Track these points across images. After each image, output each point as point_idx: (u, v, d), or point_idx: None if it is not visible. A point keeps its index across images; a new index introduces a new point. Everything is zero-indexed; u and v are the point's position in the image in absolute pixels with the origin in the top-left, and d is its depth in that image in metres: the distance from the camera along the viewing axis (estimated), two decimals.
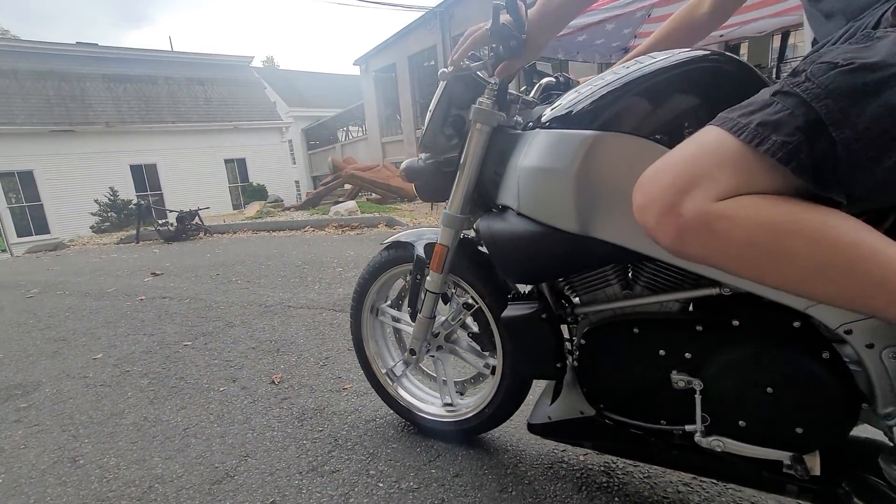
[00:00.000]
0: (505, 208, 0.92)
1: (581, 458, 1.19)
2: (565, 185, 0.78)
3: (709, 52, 0.75)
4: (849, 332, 0.66)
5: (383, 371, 1.39)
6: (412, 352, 1.22)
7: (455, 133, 1.02)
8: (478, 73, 0.97)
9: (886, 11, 0.57)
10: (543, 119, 0.87)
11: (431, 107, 1.03)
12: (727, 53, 0.75)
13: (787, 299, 0.69)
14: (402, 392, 1.37)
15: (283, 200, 12.48)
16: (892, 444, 0.64)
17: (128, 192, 15.02)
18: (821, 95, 0.53)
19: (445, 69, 0.96)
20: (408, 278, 1.23)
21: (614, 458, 1.17)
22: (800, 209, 0.55)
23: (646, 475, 1.11)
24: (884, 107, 0.50)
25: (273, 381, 1.79)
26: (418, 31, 12.94)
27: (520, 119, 1.02)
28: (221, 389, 1.76)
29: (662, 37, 0.99)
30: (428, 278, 1.12)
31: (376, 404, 1.52)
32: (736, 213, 0.55)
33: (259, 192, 15.99)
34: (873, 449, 0.78)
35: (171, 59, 19.02)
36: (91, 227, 13.14)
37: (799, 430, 0.70)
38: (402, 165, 1.09)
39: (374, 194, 9.58)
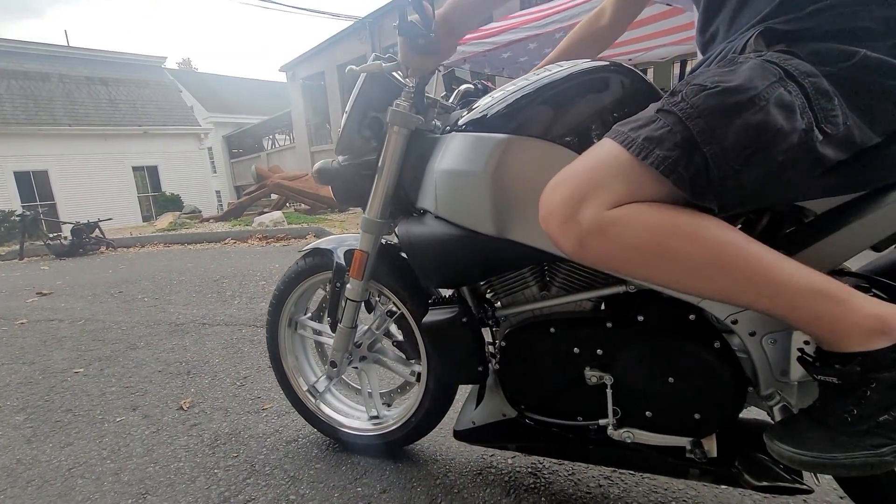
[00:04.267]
0: (424, 212, 0.91)
1: (509, 461, 1.20)
2: (481, 187, 0.79)
3: (609, 63, 0.80)
4: (735, 322, 0.72)
5: (305, 388, 1.31)
6: (333, 364, 1.16)
7: (373, 135, 1.00)
8: (394, 74, 0.95)
9: (751, 38, 0.64)
10: (460, 122, 0.87)
11: (347, 108, 0.99)
12: (624, 65, 0.80)
13: (682, 294, 0.74)
14: (325, 408, 1.30)
15: (201, 211, 11.59)
16: (773, 423, 0.70)
17: (10, 202, 13.15)
18: (693, 115, 0.58)
19: (354, 66, 0.93)
20: (328, 287, 1.17)
21: (541, 458, 1.19)
22: (678, 214, 0.61)
23: (570, 472, 1.14)
24: (743, 126, 0.56)
25: (181, 407, 1.62)
26: (348, 40, 12.78)
27: (438, 123, 1.01)
28: (118, 420, 1.57)
29: (567, 47, 1.05)
30: (348, 286, 1.07)
31: (299, 423, 1.43)
32: (625, 218, 0.60)
33: (173, 203, 14.74)
34: (759, 428, 0.86)
35: (68, 54, 17.06)
36: None
37: (697, 416, 0.75)
38: (315, 167, 1.04)
39: (302, 205, 9.22)
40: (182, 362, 2.05)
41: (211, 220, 9.40)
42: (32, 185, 14.79)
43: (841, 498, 0.97)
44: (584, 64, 0.81)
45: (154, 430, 1.48)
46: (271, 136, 22.18)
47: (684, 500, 1.00)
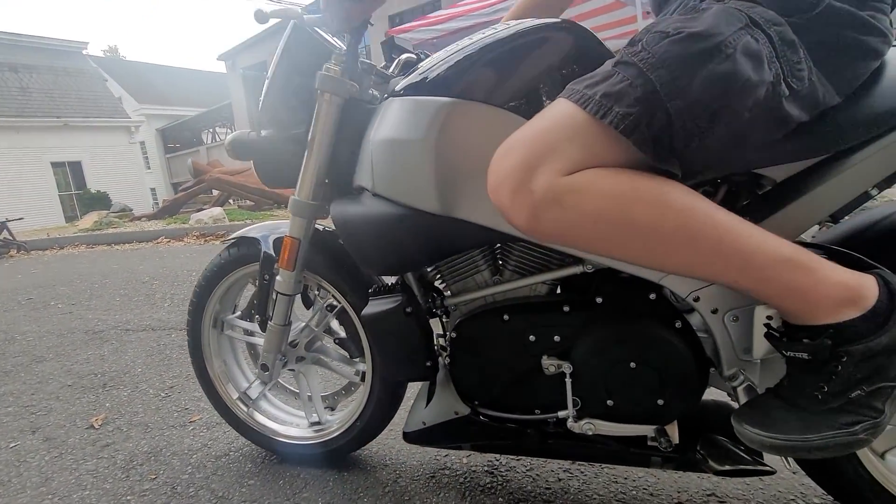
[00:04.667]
0: (361, 191, 0.80)
1: (464, 460, 1.12)
2: (422, 158, 0.69)
3: (559, 20, 0.73)
4: (697, 299, 0.68)
5: (235, 396, 1.16)
6: (264, 367, 1.03)
7: (300, 105, 0.87)
8: (320, 31, 0.84)
9: None
10: (398, 88, 0.77)
11: (269, 72, 0.86)
12: (576, 22, 0.73)
13: (643, 271, 0.68)
14: (259, 417, 1.16)
15: (132, 209, 10.72)
16: (740, 405, 0.66)
17: None
18: (656, 65, 0.52)
19: (263, 9, 0.80)
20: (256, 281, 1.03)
21: (498, 456, 1.12)
22: (641, 179, 0.54)
23: (529, 468, 1.07)
24: (709, 77, 0.50)
25: (92, 425, 1.42)
26: None
27: (376, 93, 0.91)
28: (12, 446, 1.34)
29: (519, 13, 0.97)
30: (278, 278, 0.95)
31: (231, 436, 1.28)
32: (583, 185, 0.53)
33: (100, 201, 13.56)
34: (717, 411, 0.83)
35: None
36: None
37: (660, 402, 0.70)
38: (228, 139, 0.90)
39: (247, 201, 8.72)
40: (97, 374, 1.81)
41: (143, 219, 8.70)
42: None
43: (794, 473, 0.97)
44: (532, 21, 0.73)
45: (56, 455, 1.27)
46: (211, 130, 20.89)
47: (644, 489, 0.96)
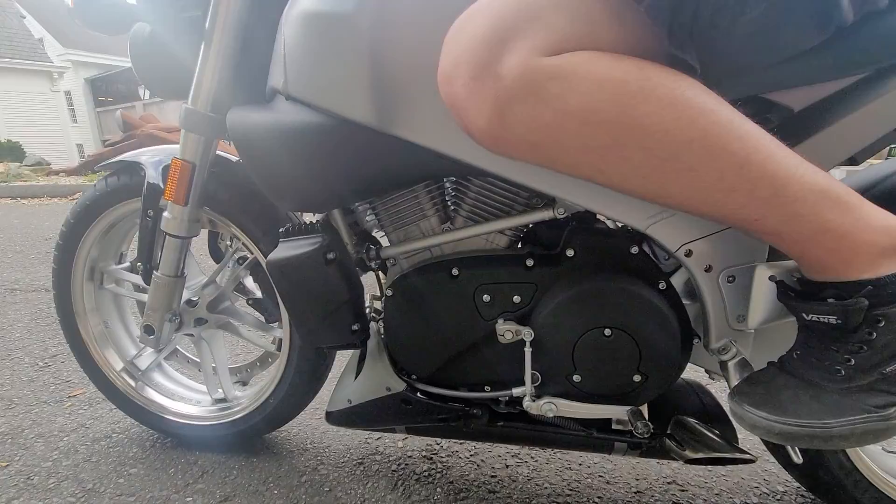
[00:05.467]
0: (274, 94, 0.60)
1: (399, 444, 0.97)
2: (353, 42, 0.51)
3: None
4: (689, 253, 0.55)
5: (119, 366, 0.94)
6: (149, 330, 0.81)
7: None
8: None
9: None
10: None
11: None
12: None
13: (629, 216, 0.54)
14: (149, 392, 0.94)
15: (49, 163, 9.58)
16: (738, 382, 0.54)
17: None
18: None
19: None
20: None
21: (439, 440, 0.98)
22: (650, 69, 0.39)
23: (473, 453, 0.94)
24: None
25: None
26: None
27: None
28: None
29: None
30: (165, 214, 0.73)
31: (118, 414, 1.06)
32: (572, 70, 0.38)
33: (11, 152, 12.00)
34: (690, 391, 0.72)
35: None
36: None
37: (637, 378, 0.57)
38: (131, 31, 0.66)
39: None
40: None
41: (61, 174, 7.78)
42: None
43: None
44: None
45: None
46: None
47: (601, 476, 0.86)
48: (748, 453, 0.61)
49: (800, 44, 0.45)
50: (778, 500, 0.79)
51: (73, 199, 5.26)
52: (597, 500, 0.80)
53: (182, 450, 0.94)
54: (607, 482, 0.84)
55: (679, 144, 0.38)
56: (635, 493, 0.81)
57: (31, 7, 19.13)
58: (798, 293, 0.46)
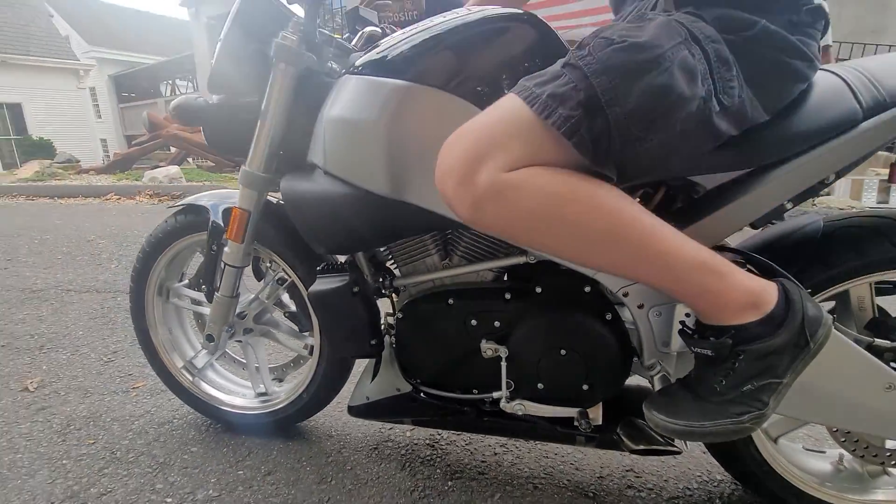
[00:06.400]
0: (314, 167, 0.80)
1: (407, 434, 1.16)
2: (375, 139, 0.69)
3: (521, 11, 0.73)
4: (626, 294, 0.72)
5: (180, 364, 1.15)
6: (210, 338, 1.02)
7: (254, 72, 0.85)
8: None
9: None
10: (357, 63, 0.76)
11: (222, 34, 0.83)
12: (535, 15, 0.74)
13: (578, 266, 0.72)
14: (205, 386, 1.16)
15: (79, 161, 10.01)
16: (652, 393, 0.72)
17: None
18: (598, 71, 0.54)
19: None
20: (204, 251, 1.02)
21: (439, 430, 1.17)
22: (577, 180, 0.57)
23: (467, 442, 1.13)
24: (647, 88, 0.53)
25: (27, 388, 1.37)
26: None
27: (335, 66, 0.89)
28: None
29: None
30: (226, 249, 0.93)
31: (175, 403, 1.27)
32: (524, 182, 0.56)
33: (43, 149, 12.56)
34: (641, 396, 0.90)
35: None
36: None
37: (585, 387, 0.76)
38: (174, 103, 0.87)
39: (206, 161, 8.32)
40: (34, 335, 1.74)
41: (91, 172, 8.15)
42: None
43: (704, 452, 1.06)
44: (495, 10, 0.73)
45: None
46: (171, 82, 19.56)
47: (572, 463, 1.04)
48: (675, 447, 0.79)
49: (698, 153, 0.62)
50: (715, 486, 0.96)
51: (106, 199, 5.59)
52: (566, 482, 0.98)
53: (231, 434, 1.15)
54: (576, 469, 1.02)
55: (594, 233, 0.56)
56: (598, 477, 0.99)
57: (58, 5, 19.70)
58: (691, 331, 0.63)
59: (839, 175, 0.67)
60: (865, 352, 0.67)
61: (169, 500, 0.95)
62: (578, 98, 0.54)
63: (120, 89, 20.38)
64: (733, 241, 0.79)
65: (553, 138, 0.56)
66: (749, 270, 0.68)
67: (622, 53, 0.53)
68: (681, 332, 0.65)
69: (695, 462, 1.03)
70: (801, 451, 0.90)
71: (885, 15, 5.33)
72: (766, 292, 0.59)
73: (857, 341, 0.68)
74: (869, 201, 4.05)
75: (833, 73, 0.67)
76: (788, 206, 0.69)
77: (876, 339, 0.72)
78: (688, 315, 0.69)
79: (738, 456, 0.84)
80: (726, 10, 0.59)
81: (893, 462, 0.79)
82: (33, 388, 1.37)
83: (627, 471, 1.01)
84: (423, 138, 0.69)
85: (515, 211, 0.56)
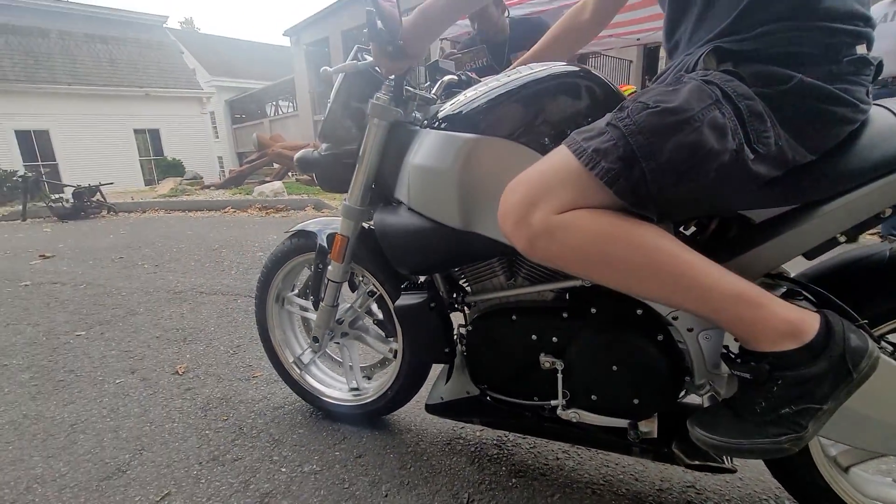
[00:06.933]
0: (399, 203, 0.97)
1: (477, 433, 1.29)
2: (449, 184, 0.84)
3: (579, 69, 0.84)
4: (675, 318, 0.79)
5: (291, 360, 1.39)
6: (315, 340, 1.24)
7: (354, 125, 1.04)
8: (376, 68, 0.99)
9: (703, 54, 0.68)
10: (439, 116, 0.92)
11: (331, 98, 1.03)
12: (592, 72, 0.83)
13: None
14: (309, 379, 1.39)
15: (202, 178, 11.60)
16: (698, 410, 0.77)
17: (12, 162, 13.11)
18: (635, 132, 0.63)
19: (328, 68, 0.98)
20: (312, 268, 1.24)
21: (506, 433, 1.28)
22: (619, 221, 0.66)
23: (532, 446, 1.23)
24: (677, 145, 0.61)
25: (177, 372, 1.72)
26: (354, 5, 12.46)
27: (419, 115, 1.05)
28: (118, 382, 1.67)
29: (550, 41, 1.07)
30: (330, 268, 1.14)
31: (285, 392, 1.53)
32: (572, 223, 0.66)
33: (175, 168, 14.73)
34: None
35: (67, 10, 16.61)
36: None
37: (636, 401, 0.83)
38: (296, 156, 1.09)
39: (304, 175, 9.20)
40: (179, 329, 2.15)
41: (212, 188, 9.42)
42: (34, 145, 14.70)
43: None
44: (557, 67, 0.84)
45: (151, 393, 1.58)
46: (274, 103, 21.86)
47: (632, 474, 1.09)
48: (730, 465, 0.83)
49: (741, 196, 0.68)
50: None
51: (224, 213, 6.44)
52: (625, 490, 1.04)
53: (329, 420, 1.37)
54: (636, 479, 1.08)
55: (635, 268, 0.65)
56: (657, 490, 1.04)
57: (186, 42, 22.92)
58: (734, 356, 0.69)
59: None
60: None
61: (283, 469, 1.18)
62: (618, 153, 0.63)
63: (233, 112, 23.23)
64: (797, 267, 0.81)
65: (597, 185, 0.66)
66: (805, 299, 0.72)
67: (655, 117, 0.62)
68: (723, 355, 0.71)
69: (762, 485, 1.03)
70: (879, 482, 0.88)
71: None
72: (806, 322, 0.63)
73: None
74: None
75: (888, 108, 0.69)
76: (841, 239, 0.71)
77: None
78: (736, 340, 0.74)
79: (802, 482, 0.85)
80: (764, 67, 0.64)
81: None
82: (181, 372, 1.72)
83: (688, 486, 1.05)
84: (489, 180, 0.82)
85: (564, 247, 0.67)
